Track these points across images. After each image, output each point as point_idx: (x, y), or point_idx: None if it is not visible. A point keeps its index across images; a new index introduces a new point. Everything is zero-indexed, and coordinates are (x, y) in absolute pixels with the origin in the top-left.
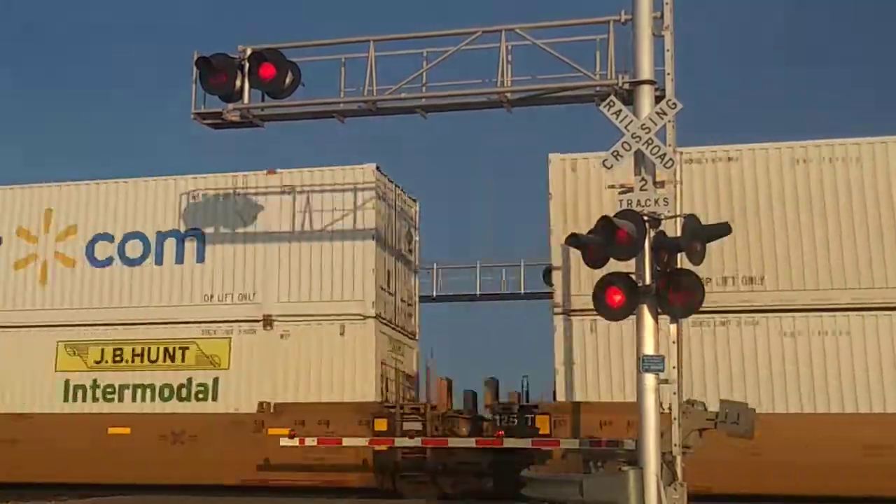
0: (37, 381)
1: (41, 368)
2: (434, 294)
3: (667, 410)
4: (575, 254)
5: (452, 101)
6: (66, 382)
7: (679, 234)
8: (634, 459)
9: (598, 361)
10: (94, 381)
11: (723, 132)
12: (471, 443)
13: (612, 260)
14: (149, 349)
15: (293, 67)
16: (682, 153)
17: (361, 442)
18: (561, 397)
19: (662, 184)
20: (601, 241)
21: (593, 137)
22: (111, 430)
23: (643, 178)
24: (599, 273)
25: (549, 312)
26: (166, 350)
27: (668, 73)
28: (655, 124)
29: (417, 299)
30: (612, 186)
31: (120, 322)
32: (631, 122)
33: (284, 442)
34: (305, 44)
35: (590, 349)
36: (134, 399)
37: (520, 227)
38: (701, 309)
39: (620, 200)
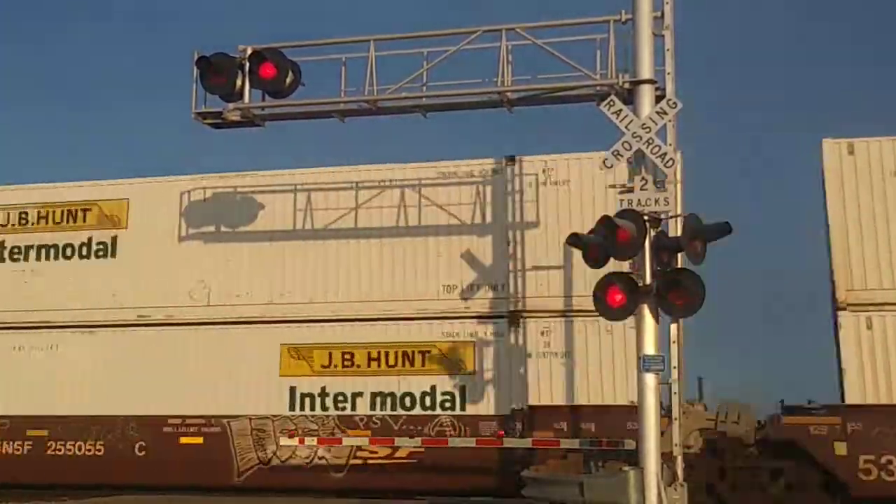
0: None
1: None
2: None
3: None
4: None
5: (453, 100)
6: None
7: (679, 233)
8: (635, 459)
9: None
10: None
11: None
12: (471, 443)
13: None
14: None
15: (293, 67)
16: None
17: (362, 441)
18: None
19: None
20: (602, 241)
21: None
22: None
23: (643, 178)
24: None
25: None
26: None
27: (669, 73)
28: (656, 124)
29: None
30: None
31: None
32: (631, 121)
33: (284, 442)
34: (306, 43)
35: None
36: None
37: None
38: None
39: (621, 200)
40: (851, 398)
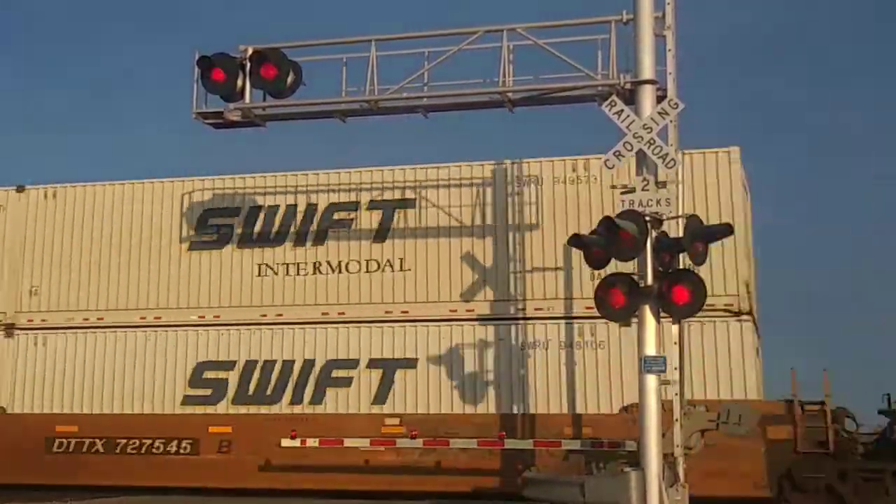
0: None
1: None
2: None
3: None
4: None
5: (454, 100)
6: None
7: (681, 234)
8: (636, 460)
9: None
10: None
11: None
12: (472, 444)
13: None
14: None
15: (294, 67)
16: None
17: (363, 442)
18: None
19: (664, 184)
20: (603, 242)
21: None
22: None
23: (645, 179)
24: None
25: None
26: None
27: (670, 73)
28: (657, 124)
29: None
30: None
31: None
32: (633, 121)
33: (286, 443)
34: (307, 43)
35: None
36: None
37: None
38: None
39: (622, 201)
40: None
